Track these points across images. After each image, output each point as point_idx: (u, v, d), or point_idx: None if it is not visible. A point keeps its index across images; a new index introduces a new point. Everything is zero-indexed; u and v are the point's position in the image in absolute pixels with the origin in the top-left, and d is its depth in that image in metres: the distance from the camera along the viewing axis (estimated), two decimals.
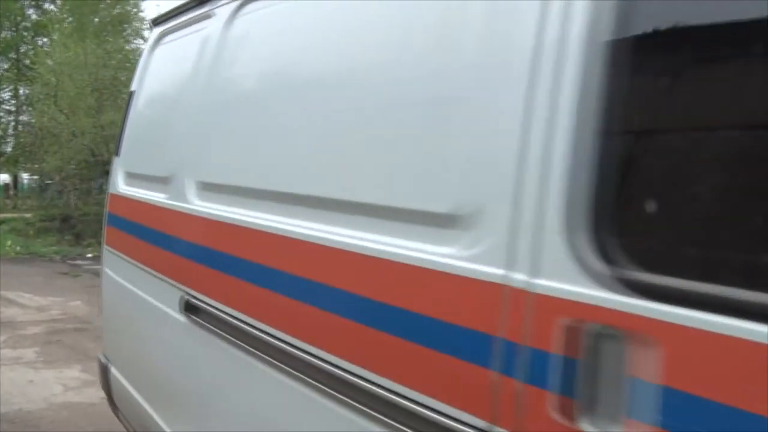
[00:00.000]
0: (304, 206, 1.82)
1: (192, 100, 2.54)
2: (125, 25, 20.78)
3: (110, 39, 17.64)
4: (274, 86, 2.16)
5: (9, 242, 13.98)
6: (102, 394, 5.21)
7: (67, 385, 5.40)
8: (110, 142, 14.46)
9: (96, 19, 20.22)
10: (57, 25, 20.33)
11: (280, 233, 1.87)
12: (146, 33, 18.75)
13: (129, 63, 15.71)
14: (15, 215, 18.64)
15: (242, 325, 2.00)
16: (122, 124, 3.38)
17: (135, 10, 21.18)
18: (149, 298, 2.75)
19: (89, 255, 13.01)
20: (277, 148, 2.02)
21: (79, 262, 12.38)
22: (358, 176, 1.66)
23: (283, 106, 2.03)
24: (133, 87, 3.34)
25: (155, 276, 2.68)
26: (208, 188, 2.37)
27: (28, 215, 17.98)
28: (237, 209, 2.13)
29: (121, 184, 3.29)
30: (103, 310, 3.51)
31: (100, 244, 14.38)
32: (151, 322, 2.76)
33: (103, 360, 3.49)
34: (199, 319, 2.29)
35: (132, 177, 3.21)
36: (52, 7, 24.00)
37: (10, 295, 8.59)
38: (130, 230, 3.11)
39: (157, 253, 2.70)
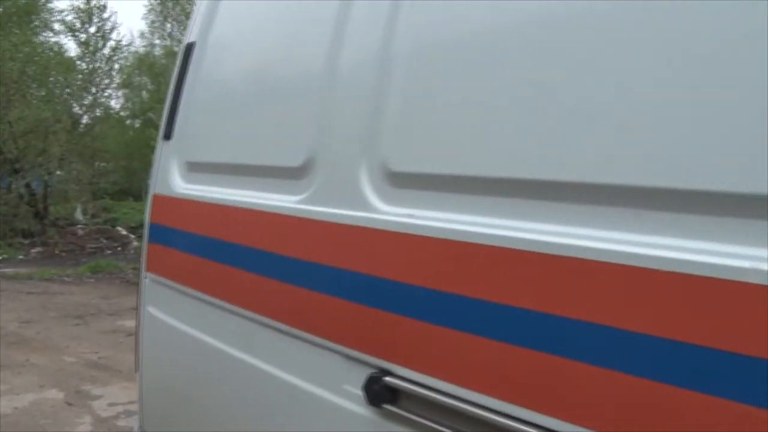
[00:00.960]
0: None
1: (363, 47, 1.64)
2: (33, 17, 19.86)
3: (17, 31, 16.81)
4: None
5: None
6: (16, 404, 4.97)
7: None
8: (19, 138, 13.81)
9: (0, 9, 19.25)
10: None
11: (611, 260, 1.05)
12: (56, 26, 18.01)
13: (38, 56, 15.02)
14: None
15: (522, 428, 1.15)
16: (173, 91, 2.35)
17: (43, 0, 20.27)
18: (275, 371, 1.75)
19: None
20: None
21: None
22: None
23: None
24: (192, 38, 2.33)
25: (289, 334, 1.71)
26: (413, 182, 1.45)
27: None
28: (501, 221, 1.26)
29: (178, 181, 2.30)
30: (143, 368, 2.46)
31: (9, 245, 13.51)
32: (279, 409, 1.75)
33: None
34: (411, 416, 1.35)
35: (202, 170, 2.24)
36: None
37: None
38: (210, 254, 2.10)
39: (290, 296, 1.72)
